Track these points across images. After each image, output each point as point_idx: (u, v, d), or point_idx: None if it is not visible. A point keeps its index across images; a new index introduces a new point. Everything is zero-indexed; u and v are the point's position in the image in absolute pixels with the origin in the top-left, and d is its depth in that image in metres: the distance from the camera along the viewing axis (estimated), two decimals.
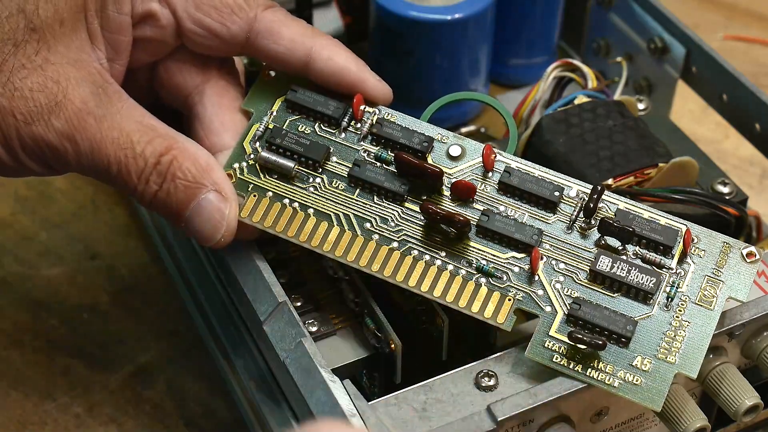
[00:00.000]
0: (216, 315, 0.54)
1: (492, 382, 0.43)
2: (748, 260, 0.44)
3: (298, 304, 0.48)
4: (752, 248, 0.44)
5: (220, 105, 0.48)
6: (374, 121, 0.48)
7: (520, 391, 0.42)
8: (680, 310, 0.43)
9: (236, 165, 0.48)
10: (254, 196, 0.47)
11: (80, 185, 0.65)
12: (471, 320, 0.45)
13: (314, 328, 0.47)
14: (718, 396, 0.45)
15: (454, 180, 0.46)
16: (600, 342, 0.42)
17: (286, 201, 0.47)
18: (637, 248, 0.45)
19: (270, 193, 0.47)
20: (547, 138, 0.51)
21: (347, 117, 0.48)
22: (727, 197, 0.52)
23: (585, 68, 0.55)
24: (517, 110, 0.56)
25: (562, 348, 0.43)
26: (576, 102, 0.53)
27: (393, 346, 0.45)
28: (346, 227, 0.46)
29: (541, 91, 0.55)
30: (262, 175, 0.47)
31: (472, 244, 0.45)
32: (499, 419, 0.41)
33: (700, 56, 0.58)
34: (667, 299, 0.44)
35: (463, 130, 0.63)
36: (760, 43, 0.77)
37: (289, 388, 0.45)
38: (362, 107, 0.48)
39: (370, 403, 0.43)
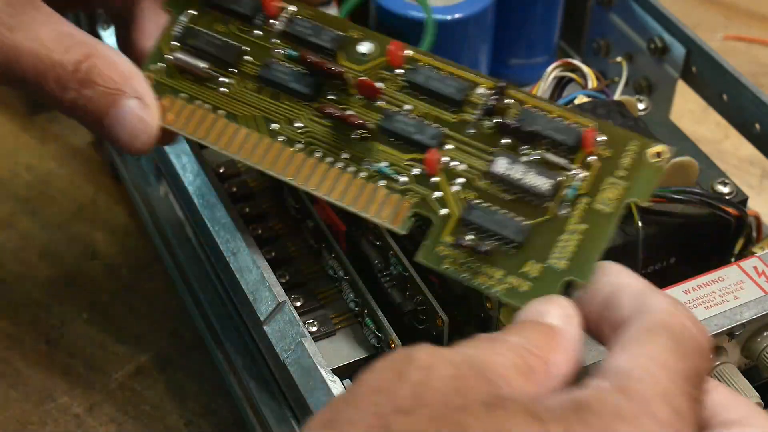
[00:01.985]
0: (216, 315, 0.54)
1: None
2: (652, 161, 0.41)
3: (298, 304, 0.48)
4: (661, 147, 0.41)
5: (155, 9, 0.48)
6: (286, 19, 0.47)
7: None
8: (577, 214, 0.41)
9: (153, 66, 0.47)
10: (169, 98, 0.47)
11: (80, 185, 0.65)
12: (472, 320, 0.44)
13: (314, 328, 0.47)
14: None
15: (360, 78, 0.45)
16: (485, 249, 0.40)
17: (199, 103, 0.46)
18: (539, 150, 0.42)
19: (184, 95, 0.47)
20: None
21: (261, 15, 0.47)
22: (727, 197, 0.52)
23: (585, 68, 0.55)
24: None
25: (453, 253, 0.41)
26: (576, 102, 0.53)
27: (393, 346, 0.45)
28: (253, 128, 0.46)
29: (541, 91, 0.55)
30: (177, 77, 0.47)
31: (375, 145, 0.44)
32: None
33: (700, 56, 0.58)
34: (565, 202, 0.41)
35: None
36: (760, 43, 0.77)
37: (289, 388, 0.45)
38: (276, 3, 0.47)
39: None
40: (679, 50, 0.59)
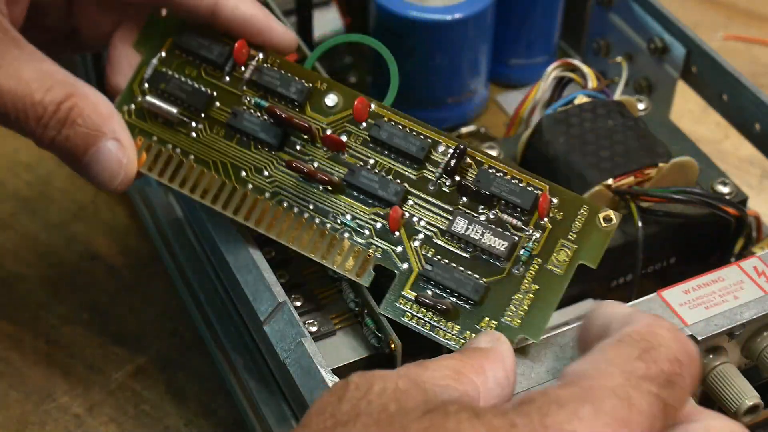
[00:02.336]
0: (216, 315, 0.54)
1: None
2: (603, 225, 0.43)
3: (298, 304, 0.48)
4: (609, 212, 0.43)
5: (128, 48, 0.48)
6: (254, 68, 0.47)
7: (519, 391, 0.42)
8: (531, 275, 0.43)
9: (125, 107, 0.48)
10: (140, 140, 0.47)
11: (80, 185, 0.65)
12: None
13: (314, 328, 0.47)
14: (718, 396, 0.45)
15: (329, 130, 0.46)
16: (443, 307, 0.43)
17: (170, 146, 0.47)
18: (496, 210, 0.44)
19: (155, 138, 0.47)
20: (547, 138, 0.51)
21: (231, 62, 0.48)
22: (727, 197, 0.52)
23: (585, 68, 0.55)
24: (517, 110, 0.56)
25: (414, 306, 0.44)
26: (576, 102, 0.53)
27: (393, 346, 0.45)
28: (222, 175, 0.46)
29: (541, 91, 0.55)
30: (147, 120, 0.48)
31: (340, 198, 0.46)
32: None
33: (700, 56, 0.58)
34: (519, 263, 0.43)
35: (464, 130, 0.63)
36: (760, 43, 0.77)
37: (289, 388, 0.45)
38: (245, 52, 0.47)
39: None
40: (679, 50, 0.59)
